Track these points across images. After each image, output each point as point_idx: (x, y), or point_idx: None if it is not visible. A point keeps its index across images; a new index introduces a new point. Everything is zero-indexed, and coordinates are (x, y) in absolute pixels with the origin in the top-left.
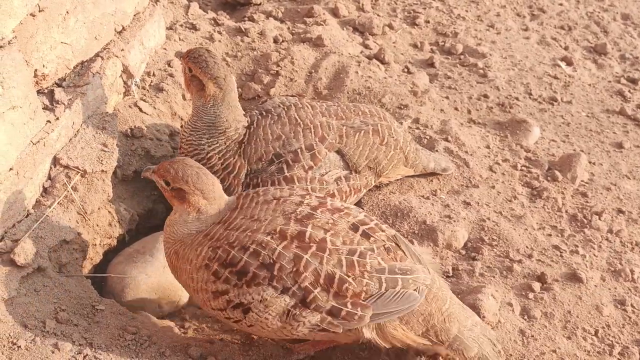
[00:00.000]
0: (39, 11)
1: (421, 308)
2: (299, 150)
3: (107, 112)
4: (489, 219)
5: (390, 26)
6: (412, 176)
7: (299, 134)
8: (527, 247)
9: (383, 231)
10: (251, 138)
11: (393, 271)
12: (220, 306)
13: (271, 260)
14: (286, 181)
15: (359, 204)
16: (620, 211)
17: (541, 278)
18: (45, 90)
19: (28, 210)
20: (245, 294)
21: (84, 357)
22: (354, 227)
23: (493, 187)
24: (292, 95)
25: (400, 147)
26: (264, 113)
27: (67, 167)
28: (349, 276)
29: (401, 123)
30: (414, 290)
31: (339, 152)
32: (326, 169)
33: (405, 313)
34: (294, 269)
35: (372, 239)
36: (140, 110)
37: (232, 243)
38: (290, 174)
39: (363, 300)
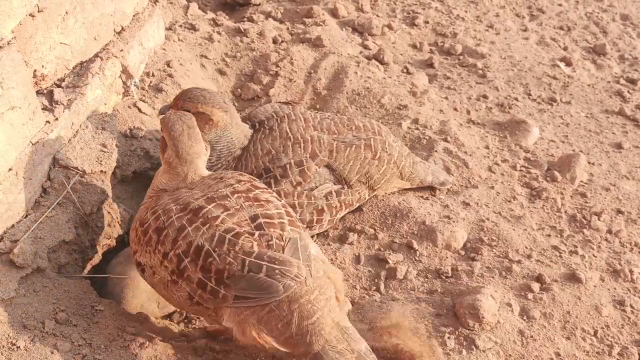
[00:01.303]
0: (38, 12)
1: (281, 313)
2: (287, 166)
3: (106, 113)
4: (488, 219)
5: (390, 27)
6: (410, 189)
7: (289, 149)
8: (526, 247)
9: (282, 231)
10: (242, 154)
11: (260, 257)
12: (134, 261)
13: (163, 226)
14: None
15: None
16: (619, 211)
17: (540, 278)
18: (45, 91)
19: (27, 211)
20: (143, 254)
21: (83, 357)
22: (253, 218)
23: (492, 187)
24: (287, 103)
25: (394, 162)
26: (257, 125)
27: (66, 167)
28: (215, 251)
29: (400, 124)
30: (280, 283)
31: (328, 166)
32: (316, 184)
33: (264, 303)
34: (174, 237)
35: (263, 231)
36: (140, 110)
37: (152, 206)
38: (277, 189)
39: (225, 279)
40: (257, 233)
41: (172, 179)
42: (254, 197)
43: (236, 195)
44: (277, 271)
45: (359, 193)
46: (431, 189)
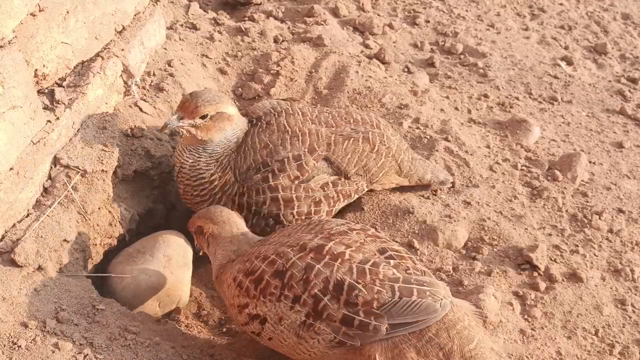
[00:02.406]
0: (39, 11)
1: (441, 341)
2: (285, 160)
3: (107, 112)
4: (489, 218)
5: (391, 26)
6: (411, 187)
7: (287, 142)
8: (527, 246)
9: (415, 263)
10: (240, 147)
11: (408, 281)
12: (244, 320)
13: (284, 269)
14: (270, 190)
15: (358, 202)
16: (620, 211)
17: (541, 278)
18: (46, 90)
19: (28, 210)
20: (261, 304)
21: (85, 356)
22: (382, 251)
23: (493, 186)
24: (285, 99)
25: (392, 155)
26: (254, 121)
27: (67, 166)
28: (358, 283)
29: (401, 123)
30: (436, 302)
31: (326, 159)
32: (314, 176)
33: (424, 326)
34: (304, 277)
35: (395, 261)
36: (141, 110)
37: (258, 255)
38: (275, 183)
39: (376, 309)
40: (392, 262)
41: (232, 245)
42: (374, 234)
43: (355, 232)
44: (427, 292)
45: (356, 184)
46: (431, 188)
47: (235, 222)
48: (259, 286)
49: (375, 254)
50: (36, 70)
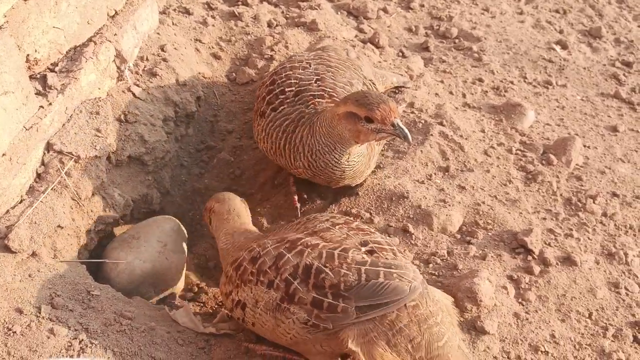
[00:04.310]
0: None
1: (411, 333)
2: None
3: (100, 98)
4: (483, 202)
5: (385, 10)
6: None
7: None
8: (521, 230)
9: (395, 255)
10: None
11: (375, 264)
12: (229, 306)
13: (258, 255)
14: None
15: (353, 187)
16: (614, 194)
17: (536, 261)
18: (38, 76)
19: (22, 196)
20: (241, 290)
21: (80, 342)
22: (363, 244)
23: (488, 171)
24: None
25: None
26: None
27: (60, 152)
28: (326, 267)
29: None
30: (404, 284)
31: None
32: None
33: (394, 308)
34: (275, 264)
35: (375, 254)
36: (134, 95)
37: (246, 247)
38: None
39: (343, 291)
40: (364, 249)
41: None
42: (357, 227)
43: (338, 226)
44: (394, 275)
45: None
46: (427, 170)
47: (235, 205)
48: (239, 272)
49: (357, 247)
50: (28, 55)
